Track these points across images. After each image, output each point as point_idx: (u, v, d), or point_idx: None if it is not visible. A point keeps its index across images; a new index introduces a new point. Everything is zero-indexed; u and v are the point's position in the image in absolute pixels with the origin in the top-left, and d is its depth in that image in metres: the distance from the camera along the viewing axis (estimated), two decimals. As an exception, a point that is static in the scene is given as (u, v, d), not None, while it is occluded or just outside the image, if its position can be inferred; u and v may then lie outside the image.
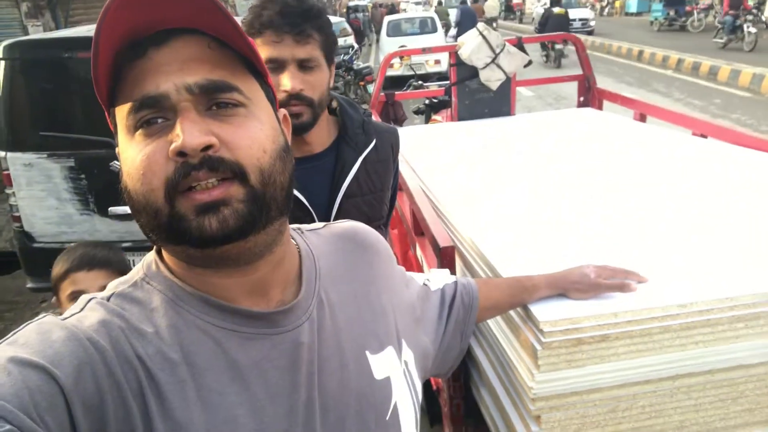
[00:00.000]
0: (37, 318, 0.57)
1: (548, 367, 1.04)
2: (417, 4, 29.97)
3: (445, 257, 1.39)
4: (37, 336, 0.54)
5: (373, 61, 14.46)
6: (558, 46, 12.74)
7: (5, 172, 3.36)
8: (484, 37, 3.16)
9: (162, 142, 0.57)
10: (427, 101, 5.03)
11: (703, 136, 2.43)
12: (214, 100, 0.59)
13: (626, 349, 1.05)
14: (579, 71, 3.58)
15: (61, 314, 0.61)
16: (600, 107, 3.41)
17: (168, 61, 0.58)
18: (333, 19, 15.03)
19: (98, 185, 3.33)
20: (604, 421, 1.08)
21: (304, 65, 1.21)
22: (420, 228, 1.80)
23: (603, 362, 1.05)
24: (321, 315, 0.69)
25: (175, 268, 0.64)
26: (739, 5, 13.23)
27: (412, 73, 8.67)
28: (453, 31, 13.63)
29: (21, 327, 0.56)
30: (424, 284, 0.95)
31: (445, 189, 1.89)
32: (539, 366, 1.04)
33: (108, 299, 0.61)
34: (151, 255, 0.66)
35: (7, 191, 3.43)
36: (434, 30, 13.28)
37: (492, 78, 3.20)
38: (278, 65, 1.19)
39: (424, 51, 3.91)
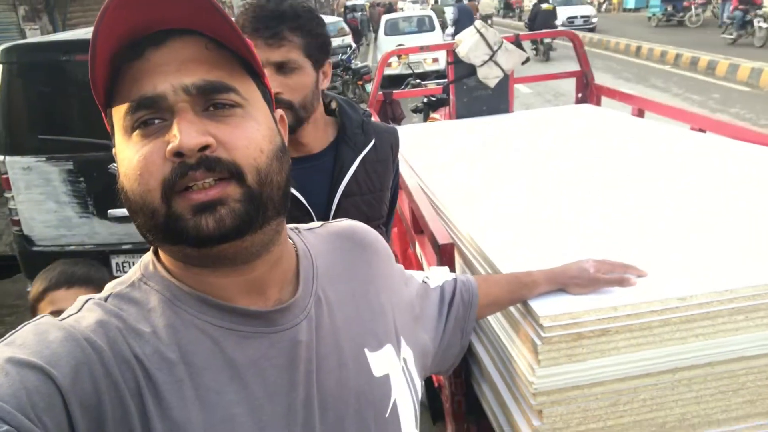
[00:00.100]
0: (34, 319, 0.57)
1: (549, 362, 1.04)
2: (414, 2, 29.88)
3: (445, 254, 1.39)
4: (35, 336, 0.54)
5: (371, 60, 14.47)
6: (546, 40, 13.41)
7: (4, 176, 3.35)
8: (481, 34, 3.16)
9: (159, 142, 0.57)
10: (425, 99, 5.03)
11: (702, 130, 2.43)
12: (211, 101, 0.59)
13: (626, 342, 1.05)
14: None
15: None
16: (598, 103, 3.41)
17: (165, 61, 0.58)
18: (331, 18, 15.06)
19: (97, 188, 3.32)
20: (606, 415, 1.08)
21: (281, 68, 1.20)
22: (419, 226, 1.80)
23: (603, 356, 1.05)
24: (319, 313, 0.69)
25: (173, 268, 0.64)
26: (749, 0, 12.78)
27: (410, 71, 8.64)
28: (450, 29, 13.65)
29: (18, 328, 0.56)
30: (423, 282, 0.95)
31: (444, 187, 1.89)
32: (540, 361, 1.04)
33: (105, 300, 0.61)
34: (149, 256, 0.66)
35: (6, 195, 3.43)
36: (432, 28, 13.26)
37: (490, 75, 3.20)
38: None
39: (422, 49, 3.91)
